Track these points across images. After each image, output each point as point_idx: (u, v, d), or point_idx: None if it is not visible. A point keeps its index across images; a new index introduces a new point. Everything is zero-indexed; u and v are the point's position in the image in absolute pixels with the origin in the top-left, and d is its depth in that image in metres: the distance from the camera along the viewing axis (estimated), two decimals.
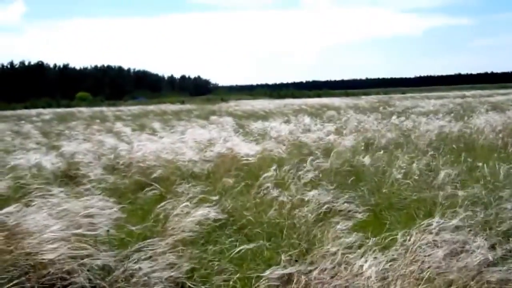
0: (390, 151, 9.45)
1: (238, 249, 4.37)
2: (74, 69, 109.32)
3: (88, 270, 3.83)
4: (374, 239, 4.09)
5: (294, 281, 3.55)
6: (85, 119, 29.08)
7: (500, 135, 10.52)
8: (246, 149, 9.22)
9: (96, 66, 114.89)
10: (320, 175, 7.28)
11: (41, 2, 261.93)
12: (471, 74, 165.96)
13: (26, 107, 59.00)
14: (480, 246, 3.69)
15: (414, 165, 7.45)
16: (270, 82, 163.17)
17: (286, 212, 5.42)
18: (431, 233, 3.85)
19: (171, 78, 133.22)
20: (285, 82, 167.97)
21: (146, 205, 6.57)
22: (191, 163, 8.67)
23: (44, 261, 3.82)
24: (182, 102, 61.12)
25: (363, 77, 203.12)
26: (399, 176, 6.96)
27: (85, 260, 3.91)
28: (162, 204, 5.60)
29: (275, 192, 6.08)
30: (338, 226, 4.71)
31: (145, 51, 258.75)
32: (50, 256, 3.85)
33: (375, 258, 3.60)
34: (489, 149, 9.34)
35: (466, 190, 5.84)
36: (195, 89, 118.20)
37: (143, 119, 26.78)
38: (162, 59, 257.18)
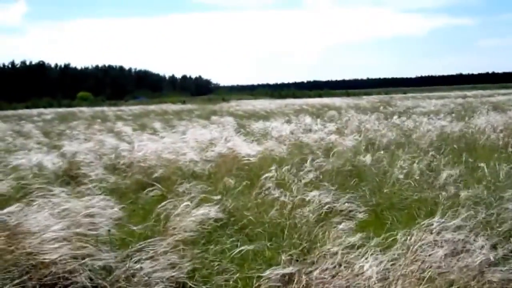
0: (391, 151, 9.44)
1: (239, 249, 4.38)
2: (75, 69, 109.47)
3: (89, 270, 3.83)
4: (375, 239, 4.09)
5: (295, 280, 3.55)
6: (86, 119, 29.10)
7: (501, 135, 10.51)
8: (247, 149, 9.21)
9: (97, 66, 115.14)
10: (321, 175, 7.27)
11: (42, 2, 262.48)
12: (472, 74, 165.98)
13: (27, 107, 59.03)
14: (481, 246, 3.68)
15: (415, 165, 7.45)
16: (271, 82, 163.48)
17: (287, 212, 5.43)
18: (432, 232, 3.85)
19: (172, 78, 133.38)
20: (286, 82, 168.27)
21: (147, 204, 6.57)
22: (192, 163, 8.68)
23: (45, 260, 3.83)
24: (183, 102, 61.14)
25: (364, 77, 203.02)
26: (401, 176, 6.96)
27: (86, 260, 3.91)
28: (163, 204, 5.61)
29: (276, 192, 6.08)
30: (340, 226, 4.72)
31: (146, 51, 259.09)
32: (52, 256, 3.85)
33: (376, 258, 3.60)
34: (490, 149, 9.33)
35: (467, 190, 5.84)
36: (196, 89, 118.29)
37: (144, 119, 26.80)
38: (163, 59, 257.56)
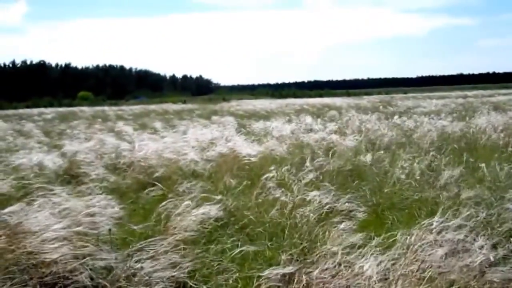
0: (392, 151, 9.44)
1: (240, 249, 4.38)
2: (76, 68, 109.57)
3: (90, 269, 3.83)
4: (376, 238, 4.09)
5: (295, 280, 3.55)
6: (87, 119, 29.11)
7: (502, 135, 10.51)
8: (248, 149, 9.21)
9: (98, 66, 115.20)
10: (321, 176, 7.27)
11: (42, 2, 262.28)
12: (473, 74, 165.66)
13: (28, 107, 59.04)
14: (481, 245, 3.68)
15: (416, 165, 7.45)
16: (272, 82, 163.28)
17: (288, 212, 5.43)
18: (432, 232, 3.85)
19: (173, 77, 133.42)
20: (286, 82, 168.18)
21: (148, 204, 6.58)
22: (193, 163, 8.68)
23: (46, 260, 3.83)
24: (184, 102, 61.17)
25: (365, 77, 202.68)
26: (401, 176, 6.96)
27: (87, 259, 3.91)
28: (164, 203, 5.61)
29: (277, 192, 6.08)
30: (340, 226, 4.72)
31: (146, 51, 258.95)
32: (52, 255, 3.85)
33: (376, 257, 3.60)
34: (491, 149, 9.33)
35: (468, 190, 5.84)
36: (197, 88, 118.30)
37: (144, 119, 26.81)
38: (163, 58, 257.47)
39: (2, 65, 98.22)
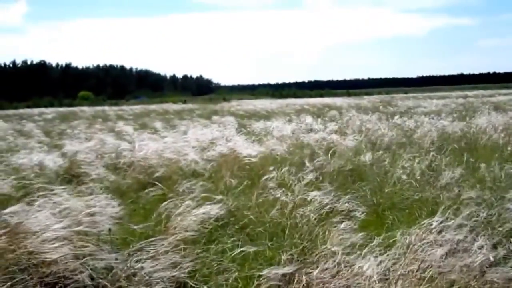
0: (392, 151, 9.44)
1: (240, 249, 4.38)
2: (76, 68, 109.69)
3: (90, 269, 3.83)
4: (376, 238, 4.09)
5: (295, 280, 3.55)
6: (87, 118, 29.12)
7: (502, 135, 10.52)
8: (248, 149, 9.21)
9: (98, 66, 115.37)
10: (321, 176, 7.27)
11: (43, 2, 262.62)
12: (473, 74, 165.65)
13: (28, 106, 59.08)
14: (482, 245, 3.68)
15: (417, 165, 7.45)
16: (272, 82, 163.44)
17: (288, 212, 5.42)
18: (432, 232, 3.84)
19: (173, 77, 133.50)
20: (287, 82, 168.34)
21: (148, 204, 6.58)
22: (193, 163, 8.68)
23: (46, 260, 3.83)
24: (184, 102, 61.19)
25: (365, 77, 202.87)
26: (402, 176, 6.95)
27: (87, 259, 3.91)
28: (165, 203, 5.61)
29: (277, 192, 6.08)
30: (341, 226, 4.72)
31: (147, 50, 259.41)
32: (53, 255, 3.86)
33: (376, 257, 3.60)
34: (491, 149, 9.33)
35: (469, 190, 5.84)
36: (197, 88, 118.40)
37: (145, 119, 26.81)
38: (164, 58, 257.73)
39: (3, 65, 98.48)
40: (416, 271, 3.44)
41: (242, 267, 4.20)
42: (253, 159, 8.43)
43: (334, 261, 3.63)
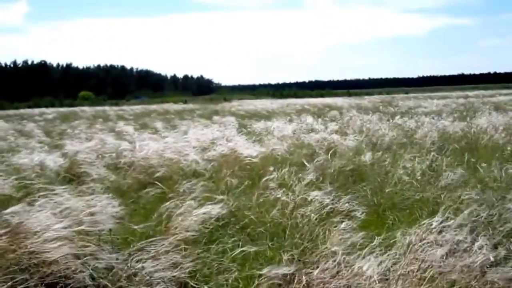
0: (393, 151, 9.44)
1: (241, 249, 4.38)
2: (77, 68, 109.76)
3: (91, 269, 3.83)
4: (376, 238, 4.09)
5: (296, 280, 3.56)
6: (88, 118, 29.14)
7: (503, 135, 10.52)
8: (249, 149, 9.21)
9: (99, 66, 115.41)
10: (322, 176, 7.27)
11: (43, 2, 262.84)
12: (474, 74, 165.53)
13: (29, 107, 59.15)
14: (482, 245, 3.68)
15: (417, 165, 7.45)
16: (273, 82, 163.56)
17: (289, 212, 5.43)
18: (432, 232, 3.85)
19: (174, 77, 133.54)
20: (287, 82, 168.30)
21: (149, 204, 6.58)
22: (194, 163, 8.68)
23: (47, 259, 3.84)
24: (185, 102, 61.19)
25: (366, 77, 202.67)
26: (402, 176, 6.95)
27: (88, 258, 3.92)
28: (167, 204, 5.61)
29: (278, 192, 6.08)
30: (341, 226, 4.72)
31: (147, 51, 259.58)
32: (53, 255, 3.86)
33: (377, 257, 3.60)
34: (492, 149, 9.33)
35: (469, 190, 5.83)
36: (198, 88, 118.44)
37: (145, 119, 26.82)
38: (164, 58, 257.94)
39: (4, 65, 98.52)
40: (417, 271, 3.44)
41: (243, 267, 4.20)
42: (254, 159, 8.43)
43: (335, 261, 3.64)
